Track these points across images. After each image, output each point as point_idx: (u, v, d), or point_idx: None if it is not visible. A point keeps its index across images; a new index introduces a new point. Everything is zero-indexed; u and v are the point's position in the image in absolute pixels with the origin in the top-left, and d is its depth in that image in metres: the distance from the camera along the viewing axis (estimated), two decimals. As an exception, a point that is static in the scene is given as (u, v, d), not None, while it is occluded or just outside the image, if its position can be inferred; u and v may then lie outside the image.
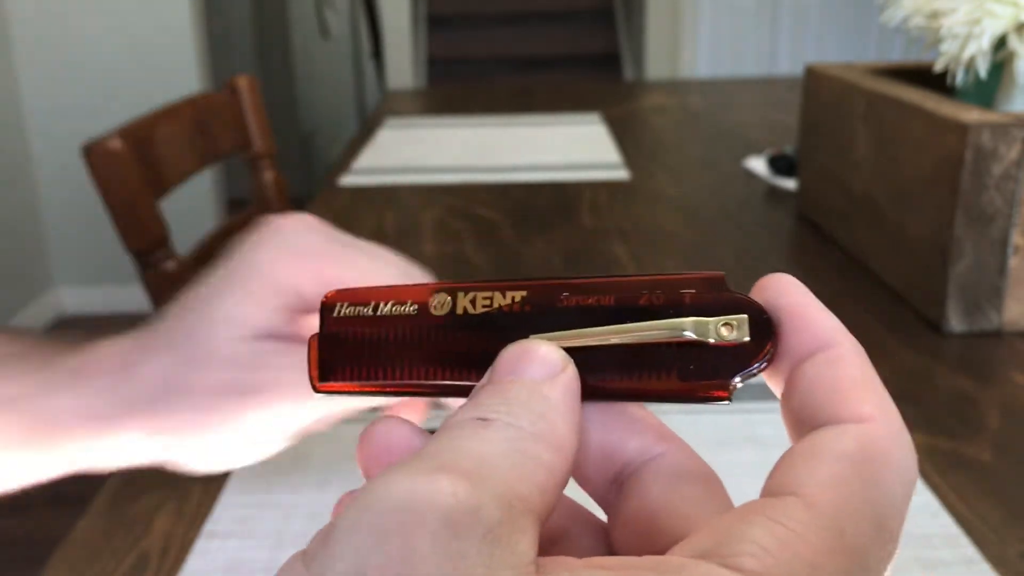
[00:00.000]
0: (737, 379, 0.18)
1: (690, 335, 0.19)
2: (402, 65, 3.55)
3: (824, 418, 0.17)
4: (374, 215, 0.99)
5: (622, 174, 1.14)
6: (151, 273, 0.97)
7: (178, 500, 0.47)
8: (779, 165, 1.08)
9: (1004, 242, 0.61)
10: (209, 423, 0.36)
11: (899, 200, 0.69)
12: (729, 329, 0.19)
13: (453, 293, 0.21)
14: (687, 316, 0.19)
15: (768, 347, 0.18)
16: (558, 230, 0.91)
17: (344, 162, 1.25)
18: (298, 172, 4.12)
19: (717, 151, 1.28)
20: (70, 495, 0.61)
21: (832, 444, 0.17)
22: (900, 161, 0.69)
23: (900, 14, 0.71)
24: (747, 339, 0.18)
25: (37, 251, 2.84)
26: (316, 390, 0.21)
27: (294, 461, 0.49)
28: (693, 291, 0.19)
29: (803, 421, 0.18)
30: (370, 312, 0.21)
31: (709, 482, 0.19)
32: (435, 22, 4.15)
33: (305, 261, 0.37)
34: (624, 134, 1.38)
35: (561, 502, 0.20)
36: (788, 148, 1.11)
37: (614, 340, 0.19)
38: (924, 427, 0.52)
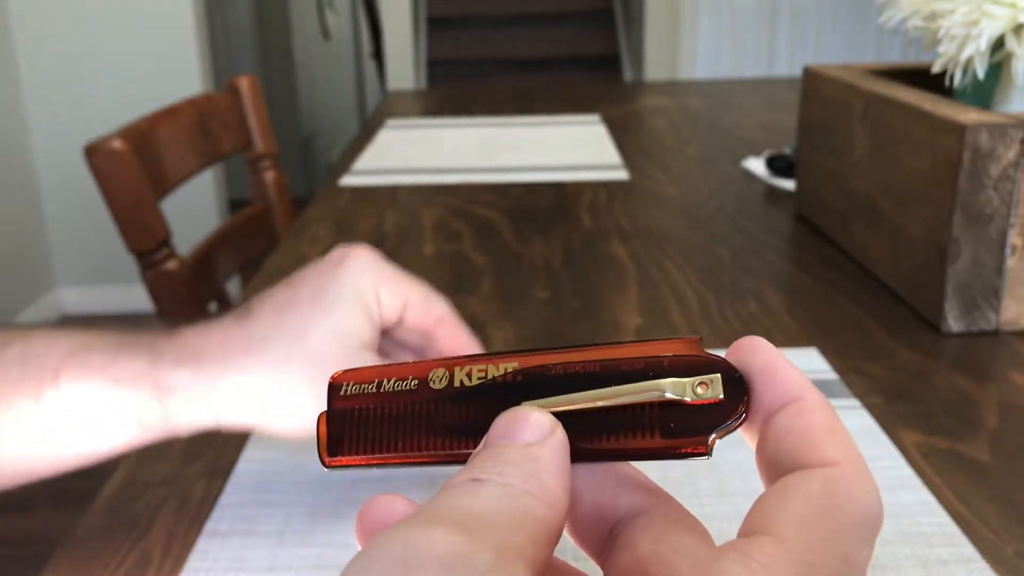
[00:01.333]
0: (714, 435, 0.20)
1: (669, 395, 0.20)
2: (403, 66, 3.55)
3: (794, 464, 0.19)
4: (374, 215, 0.99)
5: (622, 174, 1.14)
6: (152, 273, 0.98)
7: (179, 499, 0.47)
8: (778, 166, 1.08)
9: (1002, 242, 0.61)
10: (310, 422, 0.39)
11: (897, 200, 0.70)
12: (704, 388, 0.20)
13: (451, 368, 0.22)
14: (665, 378, 0.20)
15: (742, 404, 0.20)
16: (558, 230, 0.91)
17: (345, 162, 1.25)
18: (299, 172, 4.12)
19: (716, 152, 1.28)
20: (71, 494, 0.61)
21: (800, 487, 0.18)
22: (898, 162, 0.69)
23: (898, 15, 0.71)
24: (721, 396, 0.20)
25: (39, 251, 2.84)
26: (326, 466, 0.22)
27: (294, 461, 0.50)
28: (671, 354, 0.21)
29: (775, 469, 0.19)
30: (374, 389, 0.23)
31: (696, 532, 0.20)
32: (435, 23, 4.15)
33: (386, 281, 0.43)
34: (624, 134, 1.39)
35: (558, 566, 0.22)
36: (787, 149, 1.11)
37: (599, 404, 0.20)
38: (922, 427, 0.52)
